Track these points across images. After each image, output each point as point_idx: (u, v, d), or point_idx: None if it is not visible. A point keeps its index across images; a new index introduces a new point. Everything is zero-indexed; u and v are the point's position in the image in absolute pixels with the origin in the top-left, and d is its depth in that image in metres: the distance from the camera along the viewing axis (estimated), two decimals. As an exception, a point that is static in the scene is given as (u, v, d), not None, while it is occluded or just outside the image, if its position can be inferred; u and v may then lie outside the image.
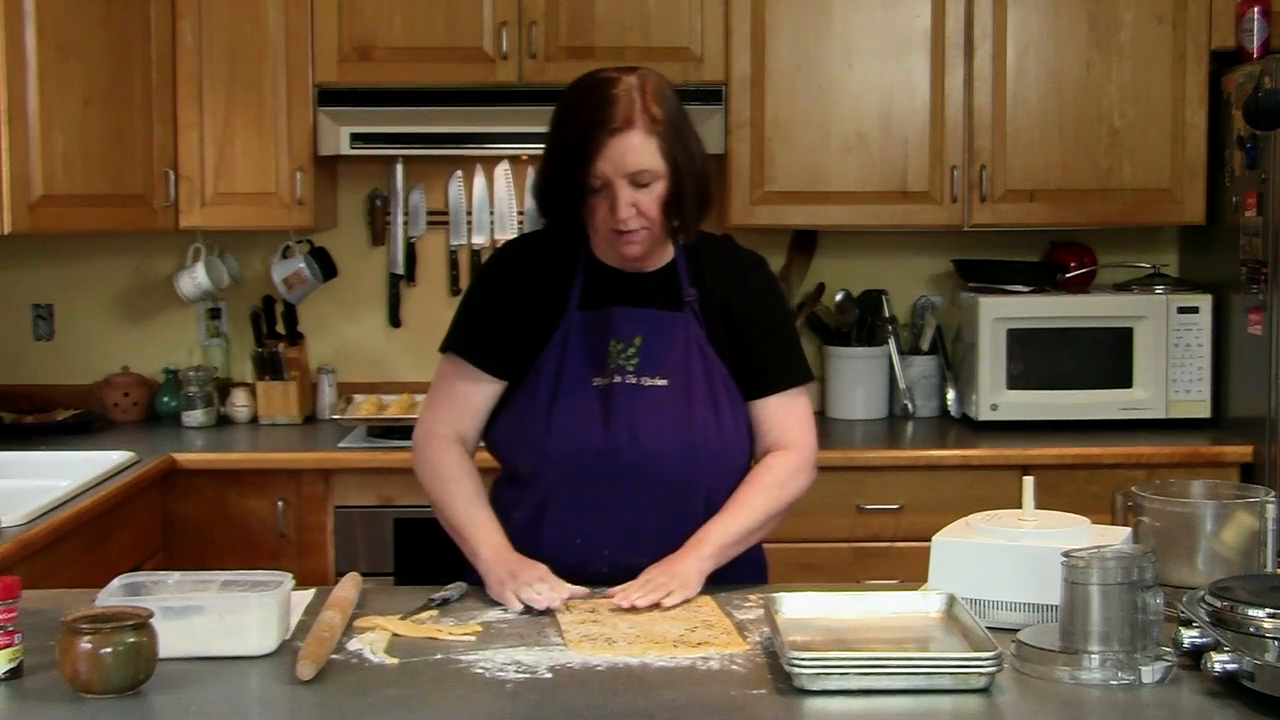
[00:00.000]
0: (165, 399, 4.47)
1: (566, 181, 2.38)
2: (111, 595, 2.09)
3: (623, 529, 2.43)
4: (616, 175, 2.35)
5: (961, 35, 4.20)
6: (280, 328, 4.49)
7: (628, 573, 2.37)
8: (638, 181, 2.36)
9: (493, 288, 2.54)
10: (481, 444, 2.59)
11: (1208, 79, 4.20)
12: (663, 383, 2.45)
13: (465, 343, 2.52)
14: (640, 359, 2.46)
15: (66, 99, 3.78)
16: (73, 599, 2.21)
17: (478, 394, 2.52)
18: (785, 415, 2.54)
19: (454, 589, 2.33)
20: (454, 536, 2.48)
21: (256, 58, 4.16)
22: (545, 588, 2.28)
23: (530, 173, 4.51)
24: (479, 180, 4.53)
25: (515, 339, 2.49)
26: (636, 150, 2.35)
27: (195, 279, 4.36)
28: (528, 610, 2.26)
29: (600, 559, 2.42)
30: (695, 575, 2.35)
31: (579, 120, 2.36)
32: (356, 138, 4.16)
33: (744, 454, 2.53)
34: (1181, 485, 2.32)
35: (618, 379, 2.45)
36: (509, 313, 2.50)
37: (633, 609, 2.24)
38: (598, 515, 2.44)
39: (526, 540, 2.44)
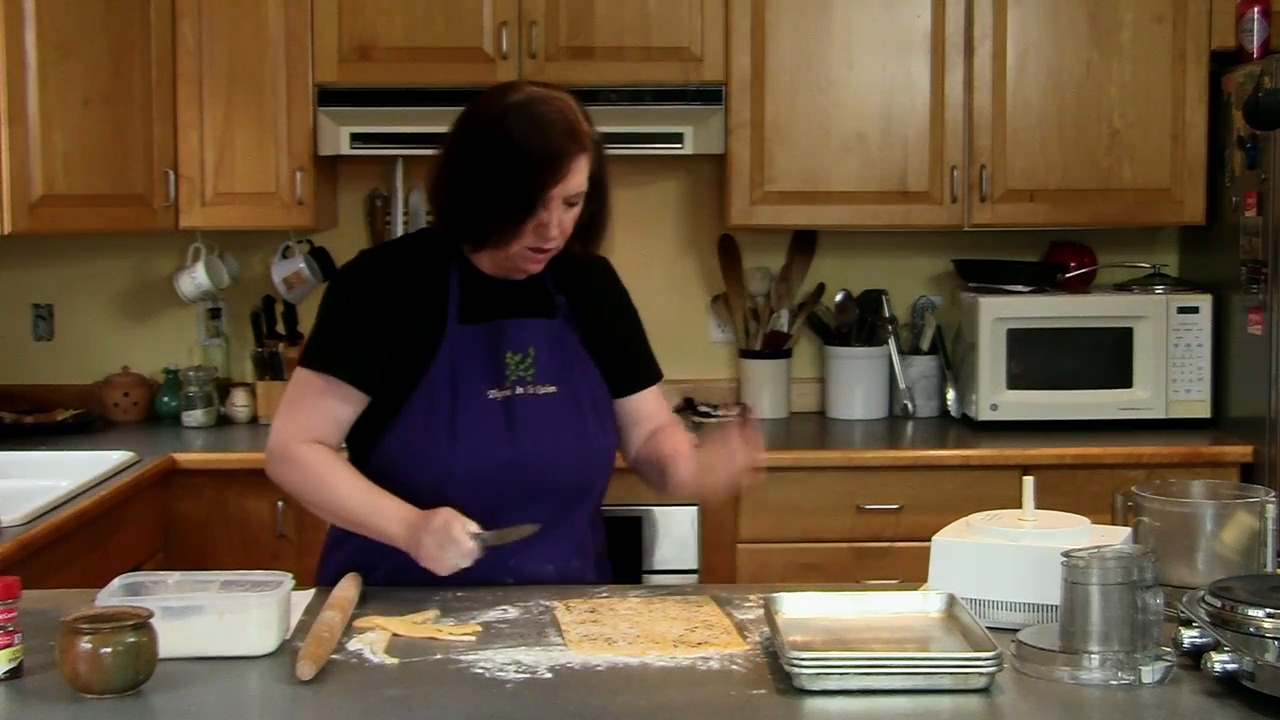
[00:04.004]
0: (165, 399, 4.47)
1: (518, 202, 2.34)
2: (111, 595, 2.09)
3: (526, 539, 2.39)
4: (560, 197, 2.36)
5: (961, 35, 4.20)
6: (280, 328, 4.49)
7: (533, 580, 2.41)
8: (570, 202, 2.39)
9: (360, 303, 2.45)
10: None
11: (1208, 79, 4.20)
12: (552, 389, 2.48)
13: (337, 361, 2.43)
14: (537, 369, 2.47)
15: (66, 99, 3.78)
16: (73, 599, 2.21)
17: (345, 410, 2.44)
18: (661, 404, 2.67)
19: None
20: (356, 527, 2.41)
21: (256, 58, 4.16)
22: (465, 537, 2.27)
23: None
24: (479, 180, 4.52)
25: (389, 355, 2.43)
26: (581, 172, 2.37)
27: (195, 279, 4.36)
28: (529, 611, 2.27)
29: (506, 570, 2.41)
30: None
31: (542, 142, 2.32)
32: (356, 138, 4.16)
33: (615, 452, 2.60)
34: (1181, 485, 2.32)
35: (520, 390, 2.45)
36: (381, 329, 2.42)
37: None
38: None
39: None
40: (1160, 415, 4.19)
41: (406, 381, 2.43)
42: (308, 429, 2.43)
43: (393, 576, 2.39)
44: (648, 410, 2.63)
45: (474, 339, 2.45)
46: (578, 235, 2.44)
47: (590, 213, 2.43)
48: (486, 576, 2.37)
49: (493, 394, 2.44)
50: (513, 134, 2.34)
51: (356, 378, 2.43)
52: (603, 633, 2.14)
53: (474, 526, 2.29)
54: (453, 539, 2.27)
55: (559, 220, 2.37)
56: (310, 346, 2.49)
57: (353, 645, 2.10)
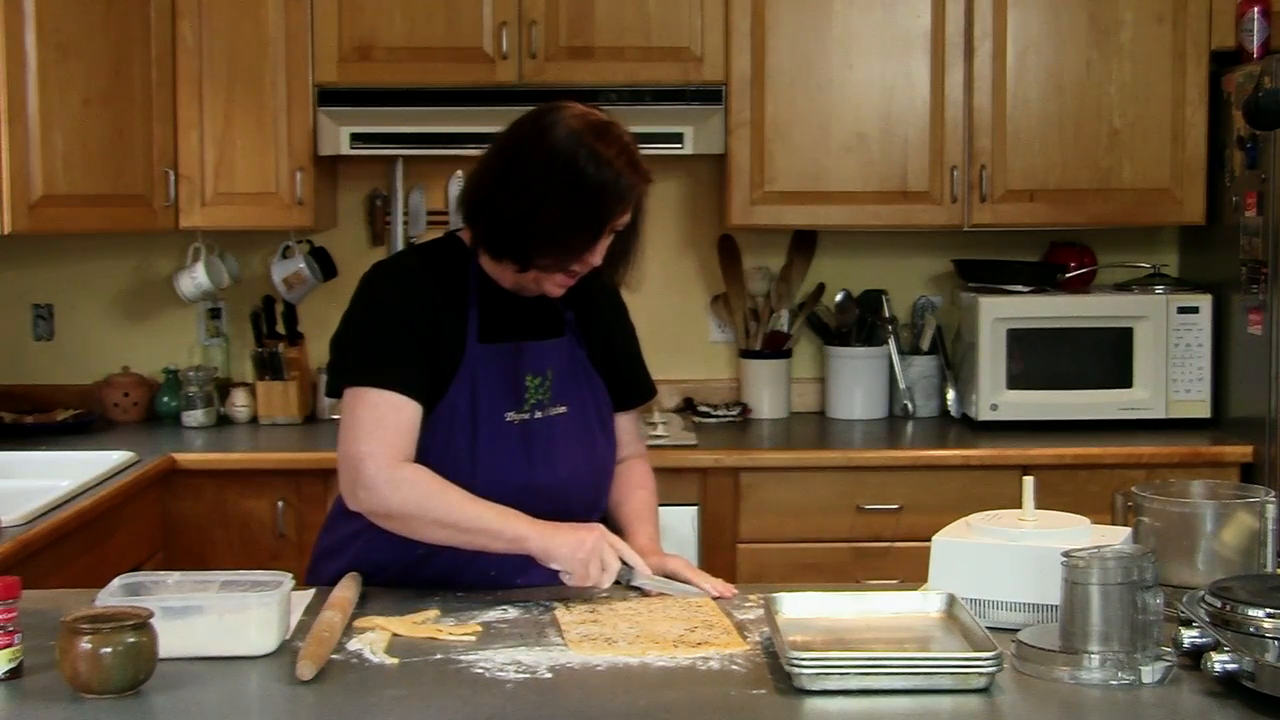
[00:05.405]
0: (165, 399, 4.47)
1: (587, 233, 2.34)
2: (111, 595, 2.09)
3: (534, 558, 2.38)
4: (616, 227, 2.39)
5: (961, 35, 4.20)
6: (280, 328, 4.49)
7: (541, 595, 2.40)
8: (614, 230, 2.39)
9: (407, 315, 2.39)
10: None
11: (1208, 79, 4.20)
12: (563, 409, 2.49)
13: (403, 377, 2.35)
14: (552, 391, 2.48)
15: (66, 99, 3.78)
16: (73, 599, 2.21)
17: (418, 427, 2.36)
18: (636, 425, 2.70)
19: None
20: (477, 535, 2.31)
21: (256, 58, 4.16)
22: (615, 560, 2.30)
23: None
24: (479, 180, 4.52)
25: (430, 366, 2.39)
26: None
27: (195, 279, 4.36)
28: (535, 607, 2.27)
29: (513, 587, 2.41)
30: None
31: (613, 175, 2.32)
32: (356, 138, 4.16)
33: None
34: (1181, 485, 2.32)
35: (538, 414, 2.46)
36: (425, 342, 2.38)
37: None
38: None
39: (433, 563, 2.40)
40: (1160, 415, 4.19)
41: (429, 398, 2.39)
42: (399, 449, 2.33)
43: (391, 585, 2.40)
44: (626, 429, 2.65)
45: (494, 360, 2.43)
46: (609, 264, 2.43)
47: (625, 242, 2.43)
48: (498, 582, 2.39)
49: (510, 416, 2.43)
50: (581, 165, 2.31)
51: (420, 394, 2.36)
52: (603, 633, 2.14)
53: (625, 551, 2.33)
54: (603, 561, 2.29)
55: (602, 249, 2.38)
56: (366, 361, 2.38)
57: (353, 645, 2.10)
